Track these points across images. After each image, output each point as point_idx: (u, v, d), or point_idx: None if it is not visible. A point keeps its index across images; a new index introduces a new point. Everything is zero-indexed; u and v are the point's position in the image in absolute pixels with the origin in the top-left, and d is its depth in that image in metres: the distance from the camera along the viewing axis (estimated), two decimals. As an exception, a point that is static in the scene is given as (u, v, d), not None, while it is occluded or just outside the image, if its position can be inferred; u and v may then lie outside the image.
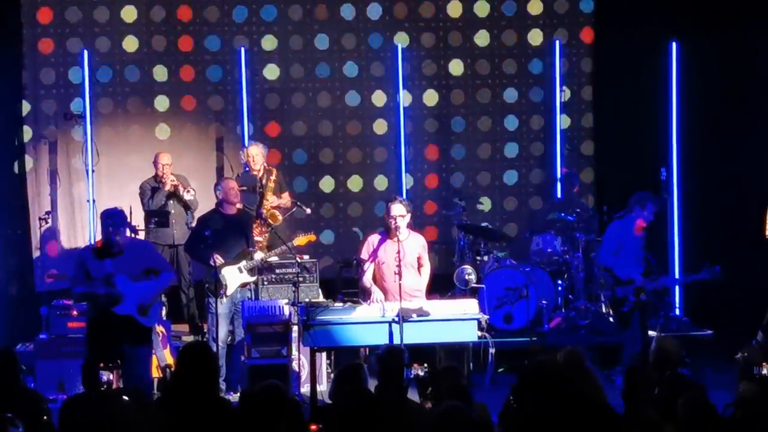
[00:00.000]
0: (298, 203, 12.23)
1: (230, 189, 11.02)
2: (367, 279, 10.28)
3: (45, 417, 6.63)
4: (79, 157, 13.13)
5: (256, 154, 12.22)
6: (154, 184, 12.21)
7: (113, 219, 9.39)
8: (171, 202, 12.16)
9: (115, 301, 9.26)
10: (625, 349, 10.82)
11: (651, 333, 10.64)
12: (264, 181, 12.16)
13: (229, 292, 10.75)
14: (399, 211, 10.12)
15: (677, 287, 12.86)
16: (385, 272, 10.19)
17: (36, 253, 12.99)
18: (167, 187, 12.12)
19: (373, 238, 10.37)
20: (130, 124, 13.35)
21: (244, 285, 10.97)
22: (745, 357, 9.13)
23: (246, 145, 12.60)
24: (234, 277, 10.83)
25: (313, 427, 6.49)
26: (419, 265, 10.30)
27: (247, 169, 12.28)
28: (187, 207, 12.19)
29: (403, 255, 9.88)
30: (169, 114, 13.39)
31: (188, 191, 12.13)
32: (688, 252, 12.62)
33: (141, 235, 11.78)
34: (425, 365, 7.11)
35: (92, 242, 12.03)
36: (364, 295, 10.35)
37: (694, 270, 11.12)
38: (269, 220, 11.95)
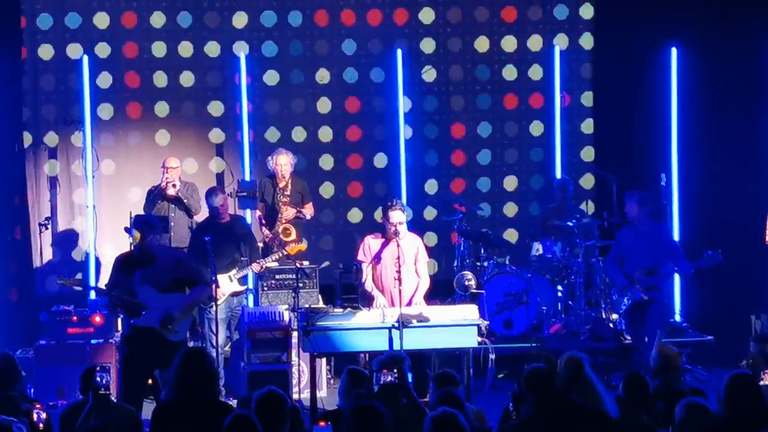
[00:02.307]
0: (300, 209, 12.20)
1: (216, 207, 10.99)
2: (369, 284, 10.29)
3: (42, 426, 6.60)
4: (78, 162, 13.14)
5: (285, 164, 11.96)
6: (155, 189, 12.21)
7: (140, 226, 9.21)
8: (164, 202, 12.09)
9: (135, 312, 9.06)
10: (633, 354, 10.85)
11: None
12: (286, 192, 12.01)
13: (219, 301, 10.65)
14: (399, 218, 10.14)
15: (677, 288, 12.86)
16: (382, 273, 10.22)
17: (36, 259, 12.98)
18: (162, 185, 12.08)
19: (370, 241, 10.37)
20: (130, 130, 13.35)
21: (235, 294, 10.96)
22: (749, 364, 9.14)
23: (275, 152, 12.19)
24: (224, 285, 10.81)
25: (322, 423, 6.47)
26: (416, 270, 10.33)
27: (274, 175, 12.05)
28: (187, 211, 12.12)
29: (403, 261, 9.91)
30: (168, 120, 13.38)
31: (174, 186, 12.02)
32: (688, 257, 12.59)
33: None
34: (394, 371, 7.00)
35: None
36: (365, 300, 10.35)
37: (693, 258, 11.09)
38: (281, 236, 11.77)
